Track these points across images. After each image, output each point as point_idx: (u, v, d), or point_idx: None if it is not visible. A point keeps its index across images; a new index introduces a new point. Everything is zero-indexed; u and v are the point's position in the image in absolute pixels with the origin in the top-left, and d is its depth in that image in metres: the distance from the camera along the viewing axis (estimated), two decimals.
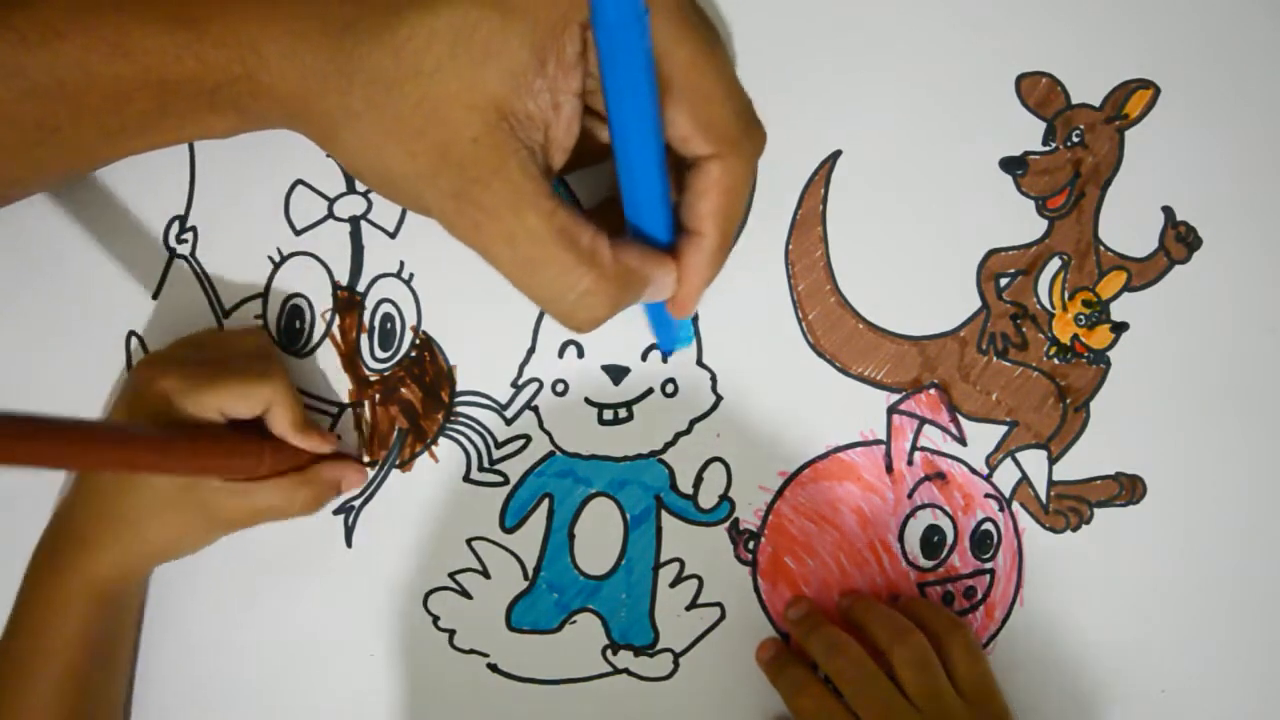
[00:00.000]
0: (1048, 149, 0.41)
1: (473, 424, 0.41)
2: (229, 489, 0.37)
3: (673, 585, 0.41)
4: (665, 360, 0.41)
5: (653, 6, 0.27)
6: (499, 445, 0.41)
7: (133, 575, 0.39)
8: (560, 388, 0.41)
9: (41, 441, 0.28)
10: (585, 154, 0.32)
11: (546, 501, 0.41)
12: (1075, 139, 0.41)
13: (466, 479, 0.41)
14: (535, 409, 0.41)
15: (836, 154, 0.41)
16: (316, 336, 0.41)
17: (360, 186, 0.41)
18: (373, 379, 0.41)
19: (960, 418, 0.42)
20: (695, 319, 0.41)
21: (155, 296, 0.41)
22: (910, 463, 0.42)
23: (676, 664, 0.42)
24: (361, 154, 0.30)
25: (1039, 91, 0.41)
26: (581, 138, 0.31)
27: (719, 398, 0.41)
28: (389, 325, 0.41)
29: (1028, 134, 0.41)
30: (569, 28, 0.28)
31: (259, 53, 0.29)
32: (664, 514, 0.41)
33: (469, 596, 0.41)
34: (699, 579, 0.42)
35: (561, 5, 0.27)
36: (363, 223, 0.41)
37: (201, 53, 0.29)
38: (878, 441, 0.42)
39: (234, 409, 0.36)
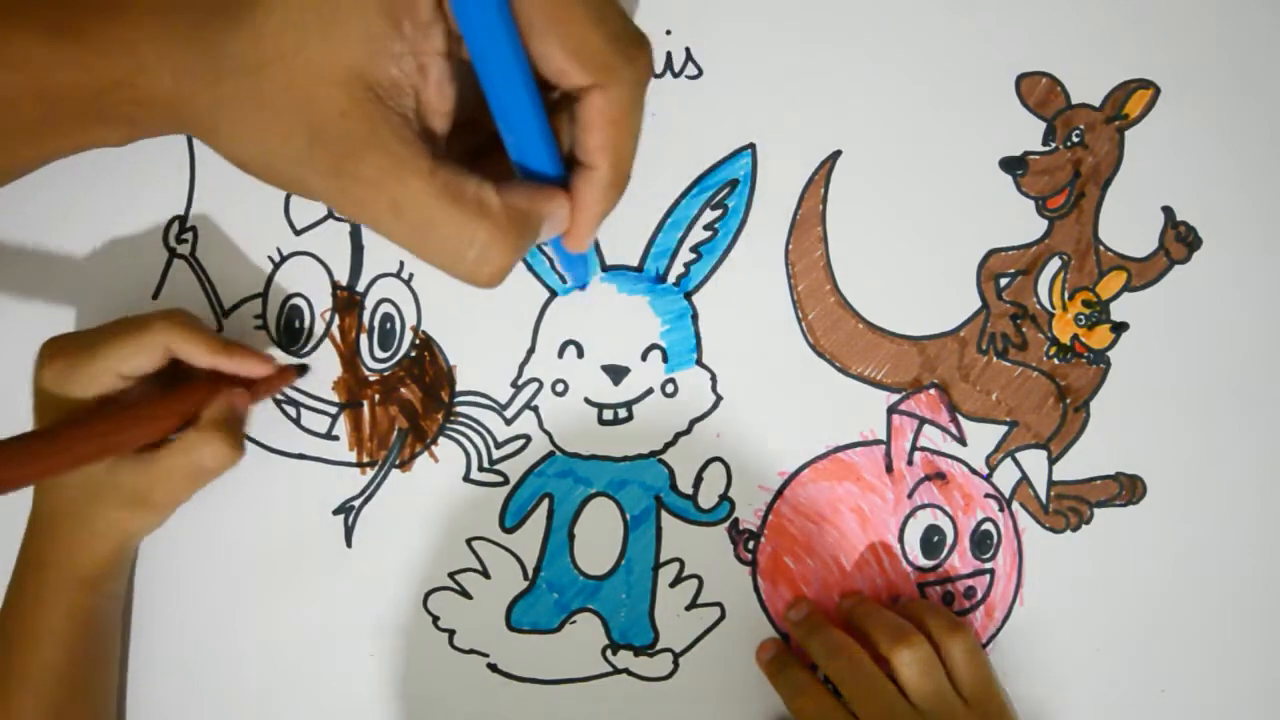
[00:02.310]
0: (1048, 149, 0.41)
1: (473, 424, 0.41)
2: (130, 464, 0.36)
3: (673, 585, 0.41)
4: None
5: None
6: (499, 445, 0.41)
7: (110, 560, 0.39)
8: (560, 388, 0.41)
9: None
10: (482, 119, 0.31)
11: (546, 501, 0.41)
12: (1075, 139, 0.41)
13: (466, 479, 0.41)
14: (535, 409, 0.41)
15: (836, 154, 0.41)
16: (316, 336, 0.41)
17: None
18: (372, 379, 0.41)
19: (960, 418, 0.42)
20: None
21: (155, 296, 0.41)
22: (910, 463, 0.42)
23: (676, 664, 0.42)
24: (240, 145, 0.29)
25: (1039, 91, 0.41)
26: (467, 100, 0.30)
27: (719, 398, 0.41)
28: (389, 325, 0.41)
29: (1028, 134, 0.41)
30: None
31: (136, 55, 0.28)
32: (664, 514, 0.41)
33: (469, 596, 0.41)
34: (699, 579, 0.41)
35: None
36: None
37: (82, 60, 0.28)
38: (878, 441, 0.42)
39: (130, 364, 0.36)
